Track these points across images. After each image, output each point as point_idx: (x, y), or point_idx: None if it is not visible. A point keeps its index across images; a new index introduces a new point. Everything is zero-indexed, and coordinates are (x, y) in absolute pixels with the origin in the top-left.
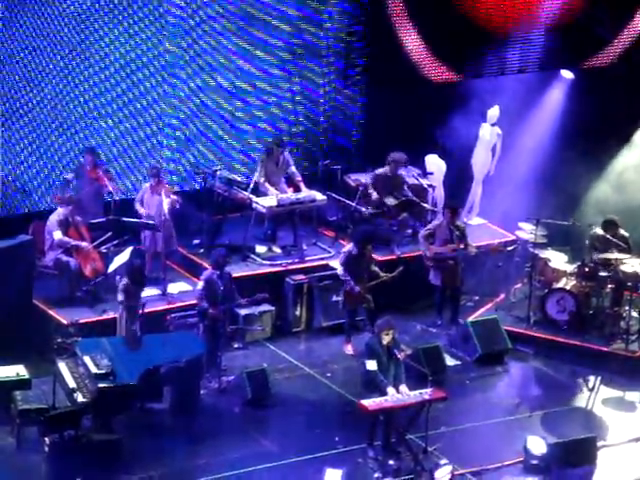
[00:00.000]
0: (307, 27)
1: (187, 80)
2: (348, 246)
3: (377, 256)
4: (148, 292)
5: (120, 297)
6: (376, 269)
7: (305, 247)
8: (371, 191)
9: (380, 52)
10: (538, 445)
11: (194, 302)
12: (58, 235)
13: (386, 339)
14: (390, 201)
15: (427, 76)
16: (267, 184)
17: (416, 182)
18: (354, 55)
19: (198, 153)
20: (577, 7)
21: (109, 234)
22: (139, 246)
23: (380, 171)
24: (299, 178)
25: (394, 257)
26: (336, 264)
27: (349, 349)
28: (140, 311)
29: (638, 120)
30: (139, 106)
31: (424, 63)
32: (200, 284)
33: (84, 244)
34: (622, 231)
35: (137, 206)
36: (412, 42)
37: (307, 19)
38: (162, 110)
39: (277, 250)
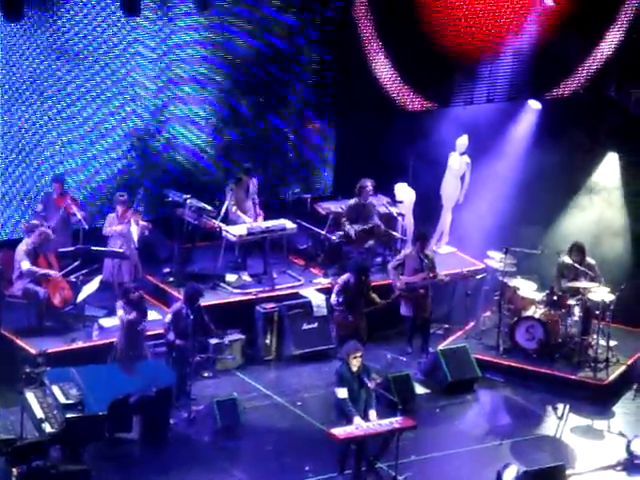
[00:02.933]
0: (277, 55)
1: (154, 112)
2: (344, 276)
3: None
4: (114, 322)
5: (121, 327)
6: (374, 296)
7: (275, 275)
8: (346, 222)
9: (350, 81)
10: (510, 473)
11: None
12: (26, 265)
13: (355, 364)
14: (355, 228)
15: (397, 105)
16: (239, 212)
17: (386, 210)
18: (324, 83)
19: (168, 182)
20: (544, 37)
21: (77, 263)
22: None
23: (351, 202)
24: (259, 211)
25: None
26: (313, 294)
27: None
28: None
29: (605, 148)
30: (106, 133)
31: (394, 92)
32: (168, 316)
33: (52, 272)
34: (589, 259)
35: (108, 231)
36: (382, 71)
37: (277, 48)
38: (132, 142)
39: (247, 278)
